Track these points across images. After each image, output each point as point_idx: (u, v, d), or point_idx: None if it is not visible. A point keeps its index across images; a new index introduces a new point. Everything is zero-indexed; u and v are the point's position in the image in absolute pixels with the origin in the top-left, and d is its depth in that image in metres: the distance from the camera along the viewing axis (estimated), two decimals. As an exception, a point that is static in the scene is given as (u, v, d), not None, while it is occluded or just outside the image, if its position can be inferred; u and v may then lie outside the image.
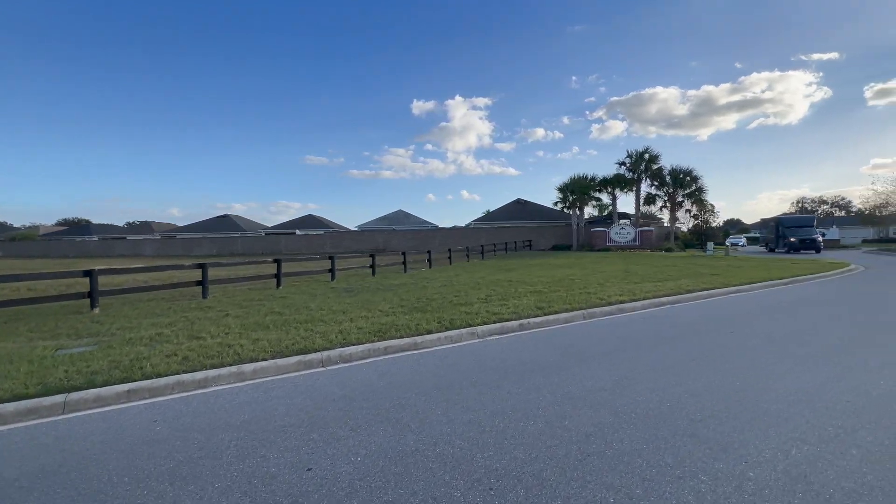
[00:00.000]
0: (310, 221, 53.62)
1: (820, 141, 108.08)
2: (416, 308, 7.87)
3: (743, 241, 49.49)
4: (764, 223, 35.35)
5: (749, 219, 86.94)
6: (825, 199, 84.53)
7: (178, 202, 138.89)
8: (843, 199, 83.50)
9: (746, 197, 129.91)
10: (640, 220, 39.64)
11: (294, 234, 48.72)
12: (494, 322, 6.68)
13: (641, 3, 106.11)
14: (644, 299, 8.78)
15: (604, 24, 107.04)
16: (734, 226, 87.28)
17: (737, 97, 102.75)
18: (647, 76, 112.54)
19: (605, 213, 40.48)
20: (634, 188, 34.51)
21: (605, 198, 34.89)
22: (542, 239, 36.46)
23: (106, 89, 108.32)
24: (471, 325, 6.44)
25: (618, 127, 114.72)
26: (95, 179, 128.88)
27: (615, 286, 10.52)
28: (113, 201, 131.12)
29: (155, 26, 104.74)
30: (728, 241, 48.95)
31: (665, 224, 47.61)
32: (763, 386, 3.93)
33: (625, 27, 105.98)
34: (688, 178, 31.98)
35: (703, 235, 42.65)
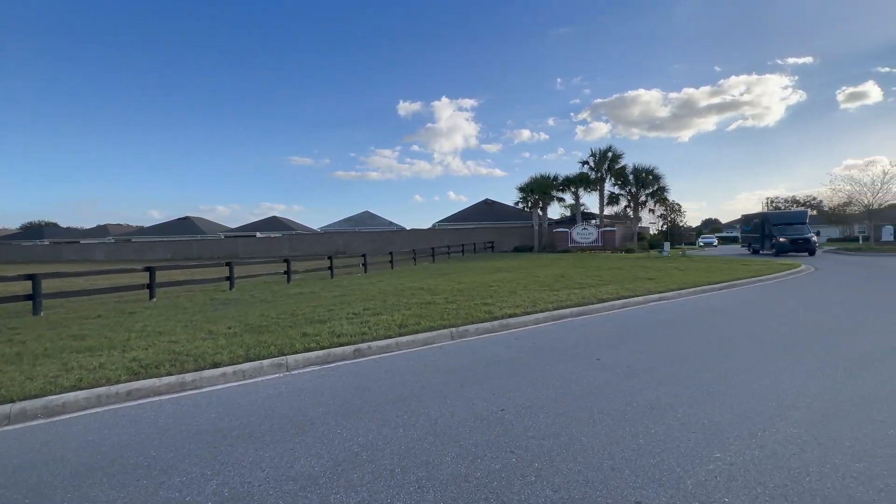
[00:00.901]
0: (273, 224, 51.57)
1: (796, 143, 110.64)
2: (256, 329, 6.48)
3: (715, 240, 48.99)
4: (746, 220, 31.50)
5: (726, 218, 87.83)
6: (797, 198, 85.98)
7: (160, 204, 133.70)
8: (814, 198, 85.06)
9: (726, 197, 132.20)
10: (609, 220, 38.95)
11: (254, 236, 46.70)
12: (320, 349, 5.33)
13: (624, 6, 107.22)
14: (543, 311, 7.56)
15: (588, 27, 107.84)
16: (710, 225, 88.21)
17: (716, 99, 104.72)
18: (630, 78, 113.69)
19: (580, 212, 39.38)
20: (598, 188, 33.72)
21: (569, 198, 34.04)
22: (506, 240, 35.40)
23: (85, 88, 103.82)
24: (283, 354, 5.08)
25: (602, 128, 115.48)
26: (77, 181, 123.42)
27: (525, 295, 9.30)
28: (91, 203, 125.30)
29: (136, 24, 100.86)
30: (701, 241, 48.49)
31: (643, 225, 47.25)
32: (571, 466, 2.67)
33: (608, 30, 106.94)
34: (650, 177, 31.27)
35: (670, 235, 42.30)
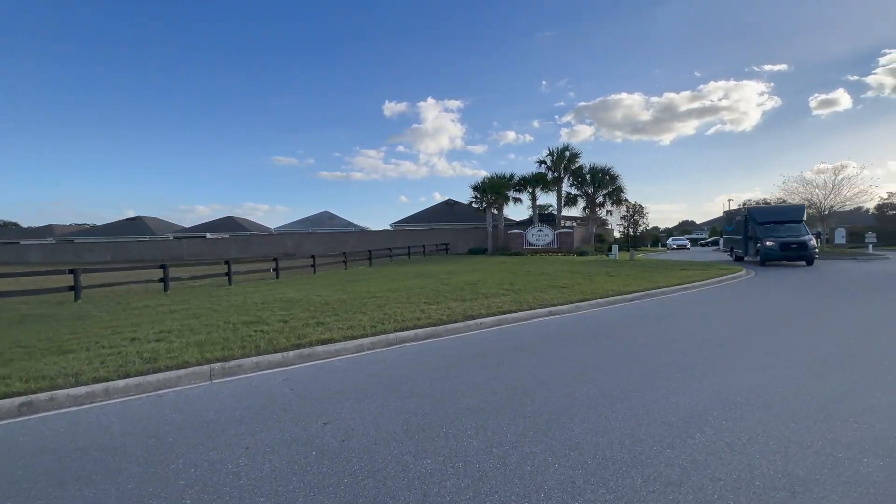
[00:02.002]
0: (227, 224, 49.05)
1: (771, 147, 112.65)
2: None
3: (687, 242, 46.97)
4: (729, 218, 26.62)
5: (702, 219, 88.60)
6: (768, 200, 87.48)
7: (137, 204, 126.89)
8: (783, 201, 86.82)
9: (705, 200, 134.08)
10: (576, 221, 37.98)
11: (205, 237, 44.20)
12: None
13: (608, 12, 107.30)
14: (380, 334, 6.07)
15: (572, 31, 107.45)
16: (687, 226, 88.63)
17: (696, 104, 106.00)
18: (613, 82, 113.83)
19: (546, 213, 37.83)
20: (556, 188, 32.63)
21: (526, 198, 32.77)
22: (462, 242, 34.00)
23: (62, 86, 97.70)
24: None
25: (586, 131, 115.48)
26: (52, 181, 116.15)
27: (389, 310, 7.80)
28: (64, 203, 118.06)
29: (113, 20, 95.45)
30: (672, 243, 46.87)
31: (598, 225, 46.48)
32: None
33: (592, 34, 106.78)
34: (606, 177, 30.30)
35: (631, 238, 41.60)
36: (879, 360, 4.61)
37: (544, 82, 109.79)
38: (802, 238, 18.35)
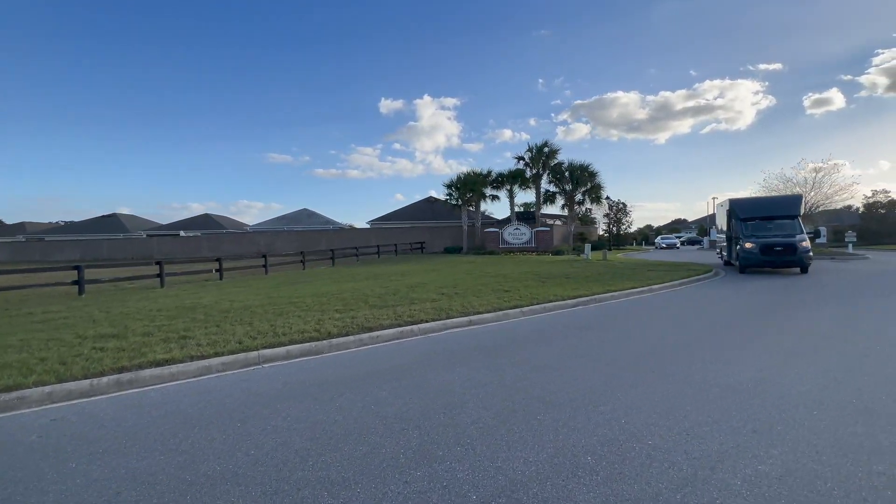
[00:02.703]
0: (204, 222, 47.79)
1: (766, 146, 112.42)
2: None
3: (677, 241, 42.98)
4: (717, 213, 22.59)
5: (694, 217, 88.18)
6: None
7: (132, 202, 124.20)
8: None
9: (699, 198, 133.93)
10: (556, 220, 37.18)
11: (178, 235, 42.97)
12: None
13: (604, 10, 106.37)
14: (248, 351, 5.15)
15: (568, 29, 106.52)
16: (680, 225, 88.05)
17: (692, 103, 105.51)
18: (609, 81, 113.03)
19: (530, 211, 36.12)
20: (535, 185, 31.78)
21: (505, 196, 31.89)
22: (438, 240, 33.08)
23: (56, 83, 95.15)
24: None
25: (582, 130, 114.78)
26: (45, 178, 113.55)
27: (291, 319, 6.88)
28: (54, 200, 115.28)
29: (107, 16, 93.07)
30: (661, 242, 44.37)
31: (581, 223, 45.76)
32: None
33: (589, 33, 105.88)
34: (585, 174, 29.47)
35: (613, 237, 40.88)
36: (786, 402, 3.74)
37: (541, 80, 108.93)
38: (791, 239, 14.27)
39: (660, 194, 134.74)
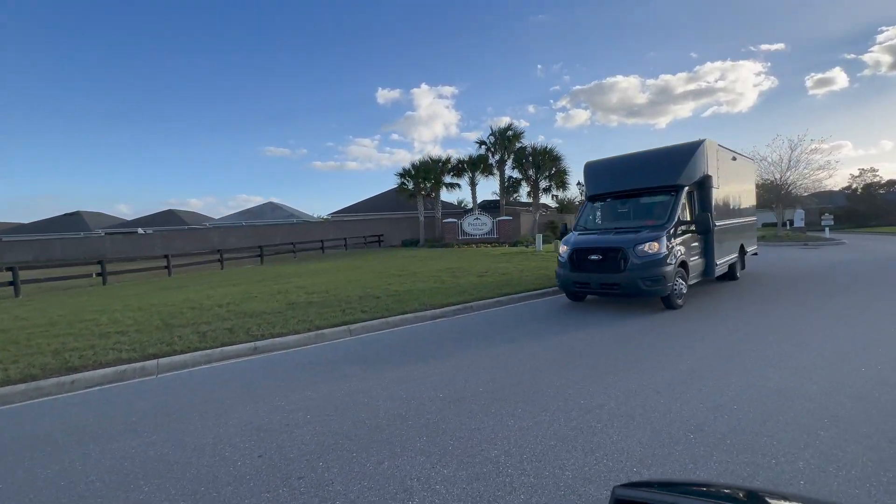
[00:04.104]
0: (166, 218, 45.84)
1: (768, 128, 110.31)
2: None
3: None
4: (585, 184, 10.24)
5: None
6: (757, 183, 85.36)
7: (131, 198, 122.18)
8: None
9: None
10: (527, 209, 35.17)
11: (136, 232, 41.08)
12: None
13: None
14: None
15: (566, 14, 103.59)
16: None
17: (692, 86, 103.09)
18: (608, 65, 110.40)
19: (513, 199, 33.48)
20: (499, 171, 29.81)
21: (465, 184, 29.92)
22: (397, 232, 31.26)
23: (49, 78, 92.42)
24: None
25: (581, 115, 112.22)
26: (38, 175, 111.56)
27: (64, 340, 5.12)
28: (48, 198, 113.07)
29: (104, 9, 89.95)
30: None
31: (561, 212, 43.85)
32: None
33: (587, 17, 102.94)
34: (547, 159, 27.48)
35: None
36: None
37: (539, 66, 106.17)
38: (624, 238, 7.11)
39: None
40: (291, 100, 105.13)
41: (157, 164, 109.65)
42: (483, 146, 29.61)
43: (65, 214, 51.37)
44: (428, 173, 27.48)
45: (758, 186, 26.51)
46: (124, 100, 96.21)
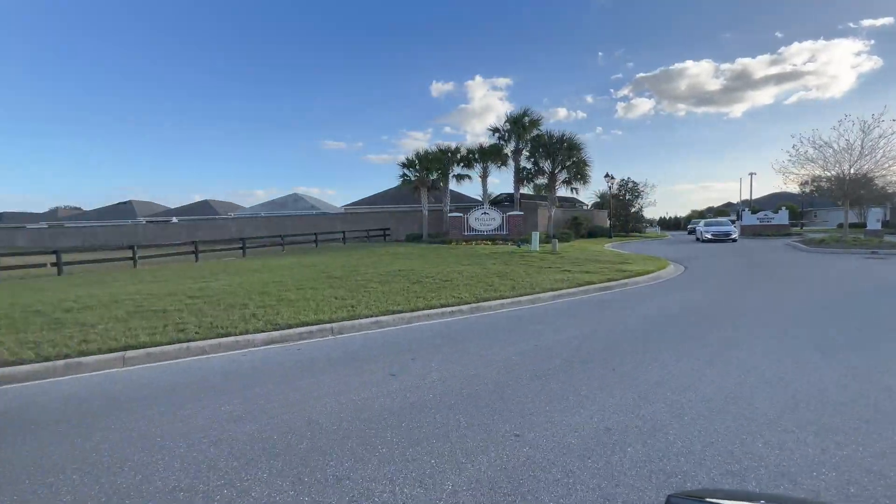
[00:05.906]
0: (201, 208, 47.81)
1: (867, 115, 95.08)
2: None
3: (732, 229, 26.05)
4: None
5: (758, 195, 76.65)
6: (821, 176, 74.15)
7: (207, 189, 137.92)
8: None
9: (777, 177, 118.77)
10: (562, 203, 32.35)
11: (170, 221, 43.13)
12: None
13: None
14: None
15: None
16: (732, 208, 77.05)
17: (775, 70, 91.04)
18: (677, 50, 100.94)
19: (541, 192, 29.46)
20: (514, 162, 27.40)
21: (477, 175, 27.77)
22: (402, 226, 29.81)
23: (144, 75, 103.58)
24: None
25: (645, 105, 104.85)
26: (109, 169, 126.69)
27: None
28: (118, 191, 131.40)
29: (161, 8, 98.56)
30: (704, 230, 28.62)
31: (573, 206, 40.30)
32: None
33: None
34: (565, 146, 24.65)
35: (624, 222, 35.26)
36: None
37: (600, 53, 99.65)
38: None
39: (729, 173, 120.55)
40: (347, 94, 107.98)
41: (230, 157, 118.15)
42: (496, 134, 27.35)
43: (118, 203, 55.34)
44: (433, 164, 25.67)
45: (822, 180, 22.08)
46: (195, 98, 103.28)
